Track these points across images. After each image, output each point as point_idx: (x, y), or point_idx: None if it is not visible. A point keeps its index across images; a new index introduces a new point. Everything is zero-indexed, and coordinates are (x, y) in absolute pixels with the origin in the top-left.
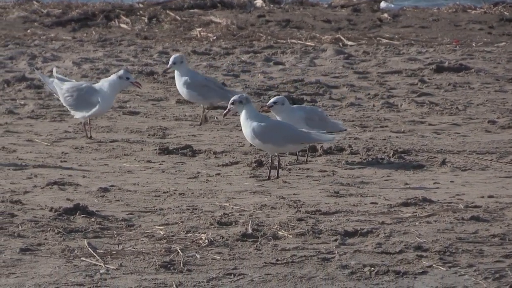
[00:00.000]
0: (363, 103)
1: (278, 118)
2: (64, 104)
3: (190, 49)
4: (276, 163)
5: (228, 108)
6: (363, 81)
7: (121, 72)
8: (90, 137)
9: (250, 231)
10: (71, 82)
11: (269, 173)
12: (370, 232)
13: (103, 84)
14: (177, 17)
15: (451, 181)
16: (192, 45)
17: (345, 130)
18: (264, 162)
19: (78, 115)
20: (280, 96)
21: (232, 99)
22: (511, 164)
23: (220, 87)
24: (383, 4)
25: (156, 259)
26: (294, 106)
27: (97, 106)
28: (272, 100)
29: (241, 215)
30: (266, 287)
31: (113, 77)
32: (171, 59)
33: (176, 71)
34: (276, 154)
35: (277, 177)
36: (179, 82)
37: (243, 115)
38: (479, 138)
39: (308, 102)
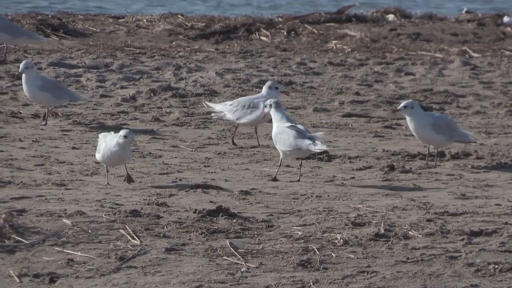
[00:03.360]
0: (488, 111)
1: (408, 121)
2: (232, 118)
3: (327, 61)
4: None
5: (264, 112)
6: (488, 91)
7: (269, 82)
8: (233, 143)
9: (382, 231)
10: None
11: (275, 173)
12: (494, 232)
13: (259, 95)
14: (314, 30)
15: None
16: (328, 57)
17: (474, 142)
18: (395, 167)
19: (243, 120)
20: (410, 100)
21: (265, 103)
22: None
23: (66, 87)
24: (506, 19)
25: (294, 258)
26: (425, 112)
27: (260, 111)
28: (402, 104)
29: (374, 216)
30: (397, 284)
31: (264, 88)
32: (22, 65)
33: (24, 76)
34: (285, 158)
35: (275, 178)
36: (31, 86)
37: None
38: None
39: (436, 110)
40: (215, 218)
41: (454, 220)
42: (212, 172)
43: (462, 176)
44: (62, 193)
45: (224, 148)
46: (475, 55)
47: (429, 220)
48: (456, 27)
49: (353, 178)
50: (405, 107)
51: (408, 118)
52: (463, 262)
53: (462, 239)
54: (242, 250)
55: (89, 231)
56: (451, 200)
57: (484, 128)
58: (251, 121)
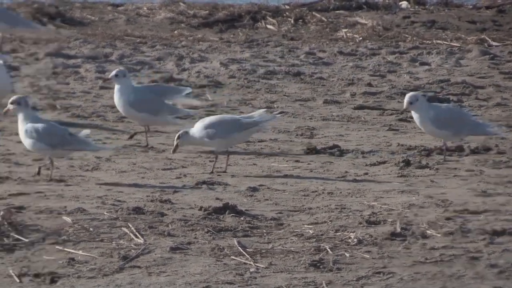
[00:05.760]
0: (509, 103)
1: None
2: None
3: (336, 50)
4: None
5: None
6: (509, 81)
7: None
8: None
9: (398, 230)
10: None
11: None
12: None
13: None
14: (323, 18)
15: None
16: (338, 46)
17: (495, 135)
18: (411, 162)
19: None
20: (412, 93)
21: (12, 99)
22: None
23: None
24: None
25: (305, 258)
26: (429, 104)
27: None
28: (406, 99)
29: (389, 214)
30: (415, 286)
31: None
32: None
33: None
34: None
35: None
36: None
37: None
38: None
39: (454, 102)
40: (221, 216)
41: (475, 218)
42: (217, 167)
43: (483, 172)
44: (62, 189)
45: None
46: (495, 44)
47: (448, 219)
48: (474, 14)
49: (366, 174)
50: (411, 103)
51: (413, 113)
52: (485, 263)
53: (484, 239)
54: (251, 250)
55: (91, 229)
56: (471, 197)
57: (505, 120)
58: None
